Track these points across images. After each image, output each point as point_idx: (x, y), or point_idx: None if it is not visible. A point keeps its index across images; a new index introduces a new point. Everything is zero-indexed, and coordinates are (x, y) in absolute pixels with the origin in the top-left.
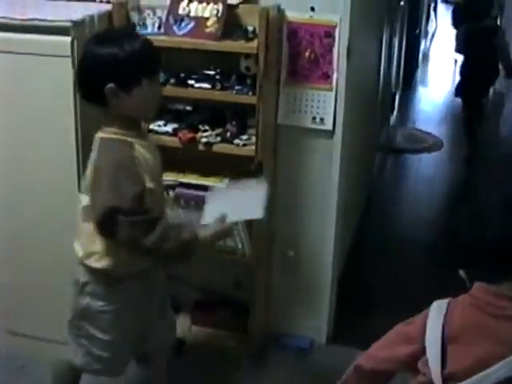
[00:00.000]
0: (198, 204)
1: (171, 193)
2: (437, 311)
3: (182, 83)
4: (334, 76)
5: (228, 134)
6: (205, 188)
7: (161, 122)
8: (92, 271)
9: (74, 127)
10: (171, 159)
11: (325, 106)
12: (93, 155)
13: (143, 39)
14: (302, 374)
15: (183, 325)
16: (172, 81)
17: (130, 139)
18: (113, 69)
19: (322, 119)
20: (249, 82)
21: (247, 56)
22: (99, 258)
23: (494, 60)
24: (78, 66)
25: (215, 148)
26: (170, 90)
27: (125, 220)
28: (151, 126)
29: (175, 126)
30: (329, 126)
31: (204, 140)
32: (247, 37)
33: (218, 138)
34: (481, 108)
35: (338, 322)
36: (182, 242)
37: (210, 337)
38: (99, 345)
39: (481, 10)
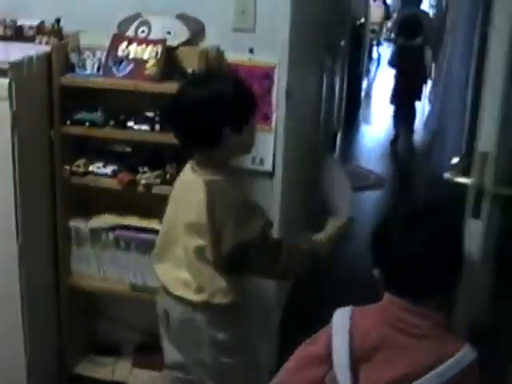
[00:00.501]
0: (139, 246)
1: (111, 235)
2: (340, 328)
3: (122, 125)
4: (274, 117)
5: (168, 175)
6: (145, 230)
7: (100, 164)
8: (218, 307)
9: (12, 171)
10: (111, 201)
11: (264, 146)
12: (195, 196)
13: (243, 81)
14: None
15: (124, 368)
16: (111, 122)
17: (234, 181)
18: (229, 112)
19: (261, 160)
20: None
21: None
22: (226, 293)
23: (420, 71)
24: (186, 112)
25: (155, 190)
26: (109, 132)
27: (257, 252)
28: (90, 168)
29: (115, 167)
30: (268, 166)
31: (143, 182)
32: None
33: (158, 180)
34: (413, 110)
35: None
36: (305, 255)
37: (153, 380)
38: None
39: (410, 31)
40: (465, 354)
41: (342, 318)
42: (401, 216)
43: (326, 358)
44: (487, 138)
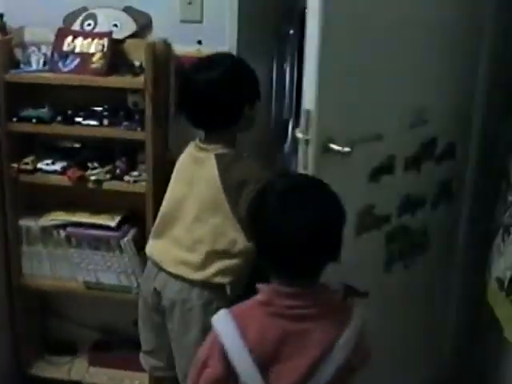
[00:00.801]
0: (91, 243)
1: (62, 233)
2: (230, 338)
3: (70, 120)
4: None
5: (118, 170)
6: (97, 226)
7: (49, 161)
8: (215, 289)
9: None
10: (61, 198)
11: None
12: (211, 173)
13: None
14: None
15: (80, 367)
16: (59, 118)
17: (239, 151)
18: (246, 87)
19: None
20: (137, 117)
21: (134, 91)
22: (226, 273)
23: None
24: (203, 94)
25: (105, 186)
26: (57, 128)
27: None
28: (39, 165)
29: (64, 164)
30: None
31: (93, 178)
32: (134, 72)
33: (108, 176)
34: None
35: None
36: None
37: (110, 378)
38: None
39: None
40: (356, 319)
41: (226, 326)
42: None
43: (230, 375)
44: (309, 98)
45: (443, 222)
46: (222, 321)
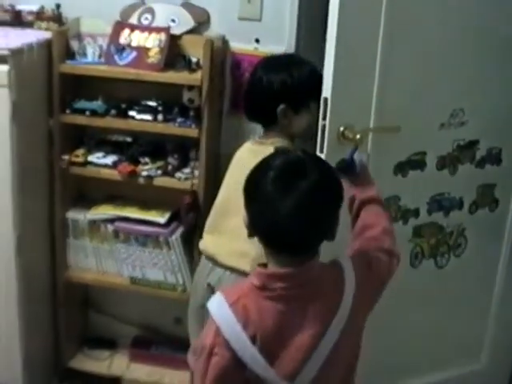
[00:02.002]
0: (138, 239)
1: (110, 227)
2: (231, 332)
3: (123, 114)
4: None
5: (169, 167)
6: (145, 222)
7: (100, 154)
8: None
9: (10, 159)
10: (110, 192)
11: None
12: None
13: (312, 66)
14: None
15: (121, 362)
16: (112, 112)
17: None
18: (285, 93)
19: None
20: (192, 114)
21: (190, 88)
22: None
23: None
24: (250, 88)
25: (156, 182)
26: (110, 122)
27: None
28: (89, 158)
29: (115, 158)
30: None
31: (144, 173)
32: (191, 68)
33: (159, 172)
34: None
35: None
36: None
37: (149, 374)
38: None
39: None
40: (349, 277)
41: (225, 318)
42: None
43: (238, 361)
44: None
45: (484, 227)
46: (221, 312)
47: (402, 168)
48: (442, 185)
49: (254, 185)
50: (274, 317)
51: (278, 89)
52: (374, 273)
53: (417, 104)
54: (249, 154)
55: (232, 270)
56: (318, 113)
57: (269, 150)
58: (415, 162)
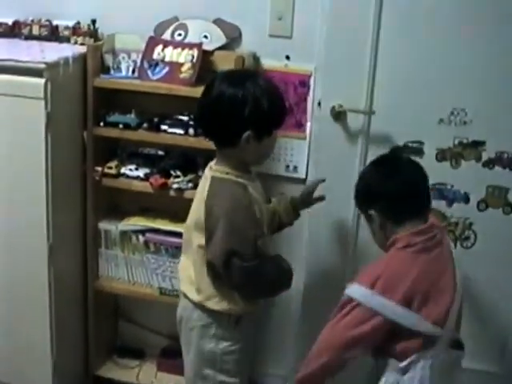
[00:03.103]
0: (169, 250)
1: (141, 238)
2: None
3: (155, 128)
4: (308, 125)
5: (200, 180)
6: (175, 234)
7: (132, 167)
8: (213, 313)
9: (45, 170)
10: (141, 204)
11: (298, 154)
12: (202, 192)
13: (281, 94)
14: None
15: (149, 371)
16: (145, 125)
17: (243, 181)
18: (256, 119)
19: (295, 167)
20: None
21: (195, 120)
22: (220, 300)
23: None
24: (216, 106)
25: (186, 194)
26: (142, 135)
27: (241, 266)
28: (122, 170)
29: (147, 170)
30: (302, 174)
31: (175, 186)
32: None
33: (190, 185)
34: None
35: None
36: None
37: (175, 383)
38: None
39: None
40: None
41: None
42: (379, 164)
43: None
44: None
45: (497, 228)
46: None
47: (399, 152)
48: (443, 176)
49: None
50: (420, 266)
51: (250, 115)
52: None
53: (412, 95)
54: (200, 184)
55: (184, 295)
56: (275, 139)
57: (208, 181)
58: (412, 149)
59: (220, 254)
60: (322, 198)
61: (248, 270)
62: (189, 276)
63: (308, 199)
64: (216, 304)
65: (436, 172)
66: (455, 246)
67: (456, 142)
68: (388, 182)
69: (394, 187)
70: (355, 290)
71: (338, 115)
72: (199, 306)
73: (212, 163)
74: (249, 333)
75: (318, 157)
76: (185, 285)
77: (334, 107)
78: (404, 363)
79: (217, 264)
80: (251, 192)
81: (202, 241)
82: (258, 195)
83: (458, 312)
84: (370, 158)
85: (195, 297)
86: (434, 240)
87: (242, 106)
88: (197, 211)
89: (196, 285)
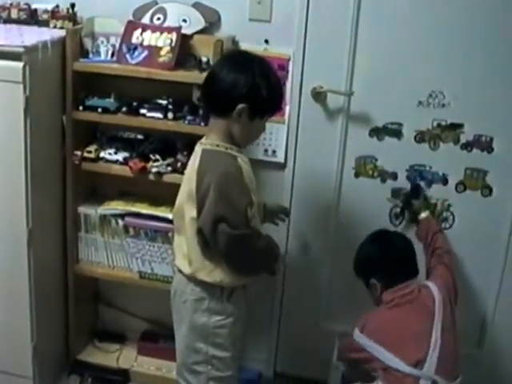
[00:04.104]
0: (148, 234)
1: (120, 222)
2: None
3: (134, 112)
4: (287, 109)
5: (179, 164)
6: (154, 218)
7: (111, 151)
8: (205, 286)
9: (24, 155)
10: (121, 188)
11: (277, 138)
12: (193, 165)
13: (280, 82)
14: None
15: (129, 355)
16: (124, 109)
17: (233, 152)
18: (254, 97)
19: (273, 151)
20: (201, 112)
21: (200, 87)
22: (211, 271)
23: None
24: (218, 78)
25: (165, 178)
26: (121, 119)
27: (228, 232)
28: (101, 154)
29: (126, 154)
30: (280, 158)
31: (154, 170)
32: (201, 67)
33: (169, 168)
34: None
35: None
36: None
37: (157, 367)
38: (221, 365)
39: None
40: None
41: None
42: (375, 239)
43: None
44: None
45: (476, 210)
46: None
47: (377, 132)
48: (422, 157)
49: (372, 258)
50: (394, 317)
51: (249, 90)
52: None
53: (391, 78)
54: (191, 158)
55: (178, 269)
56: (264, 125)
57: (199, 154)
58: (391, 130)
59: (209, 220)
60: (282, 220)
61: (234, 237)
62: (182, 251)
63: (271, 217)
64: (207, 275)
65: (415, 153)
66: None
67: (434, 124)
68: (387, 255)
69: (393, 257)
70: (355, 330)
71: (319, 96)
72: (192, 279)
73: (202, 139)
74: (241, 307)
75: (299, 137)
76: (179, 260)
77: (314, 88)
78: None
79: (205, 230)
80: (241, 163)
81: (194, 212)
82: (247, 166)
83: (442, 357)
84: (350, 137)
85: (187, 269)
86: (408, 297)
87: (245, 81)
88: (188, 183)
89: (188, 257)
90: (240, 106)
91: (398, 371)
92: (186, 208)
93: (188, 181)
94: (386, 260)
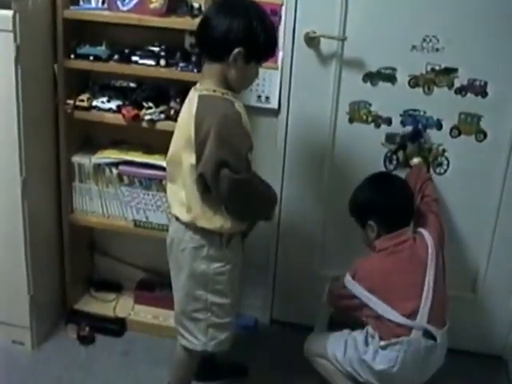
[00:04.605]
0: (142, 182)
1: (114, 171)
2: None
3: (126, 59)
4: (280, 55)
5: (172, 111)
6: (149, 166)
7: (104, 99)
8: (204, 233)
9: (16, 104)
10: (114, 136)
11: (270, 84)
12: (189, 111)
13: (274, 26)
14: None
15: (125, 304)
16: (116, 57)
17: (230, 98)
18: (250, 41)
19: (267, 97)
20: (194, 59)
21: (192, 33)
22: (210, 217)
23: None
24: (213, 23)
25: (159, 125)
26: (113, 67)
27: (230, 176)
28: (94, 103)
29: (119, 102)
30: (274, 104)
31: (148, 117)
32: (192, 13)
33: (162, 116)
34: None
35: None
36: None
37: (154, 316)
38: (220, 312)
39: None
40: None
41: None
42: (378, 182)
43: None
44: None
45: (470, 155)
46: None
47: (371, 77)
48: (416, 102)
49: (373, 201)
50: (388, 266)
51: (246, 33)
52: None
53: (384, 22)
54: (186, 104)
55: (175, 217)
56: (258, 71)
57: (195, 100)
58: (385, 75)
59: (211, 165)
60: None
61: (237, 181)
62: (179, 199)
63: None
64: (207, 222)
65: (409, 98)
66: (428, 171)
67: (428, 68)
68: (389, 200)
69: (394, 203)
70: (346, 276)
71: (312, 41)
72: (191, 226)
73: (196, 85)
74: (239, 253)
75: (292, 83)
76: (175, 208)
77: (307, 33)
78: (382, 343)
79: (207, 175)
80: (238, 108)
81: (193, 159)
82: (244, 112)
83: (433, 307)
84: (343, 82)
85: (186, 217)
86: (403, 245)
87: (241, 25)
88: (186, 130)
89: (187, 204)
90: (236, 49)
91: (390, 321)
92: (183, 155)
93: (185, 127)
94: (387, 205)
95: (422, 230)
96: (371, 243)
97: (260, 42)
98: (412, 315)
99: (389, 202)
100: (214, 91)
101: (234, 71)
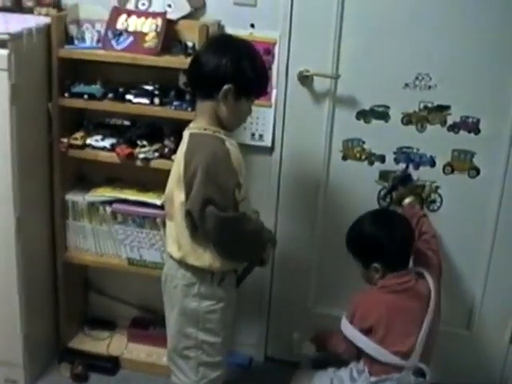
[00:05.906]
0: (136, 220)
1: (108, 209)
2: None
3: (120, 98)
4: (274, 93)
5: (166, 149)
6: (143, 204)
7: (98, 137)
8: (195, 271)
9: (10, 142)
10: (108, 175)
11: (264, 122)
12: (181, 150)
13: (265, 64)
14: None
15: (119, 342)
16: (110, 95)
17: (220, 136)
18: (240, 77)
19: (260, 135)
20: (188, 97)
21: (186, 71)
22: (200, 255)
23: None
24: (203, 60)
25: (153, 164)
26: (108, 105)
27: (216, 214)
28: (88, 141)
29: (113, 141)
30: (268, 142)
31: (142, 156)
32: (186, 52)
33: (156, 154)
34: None
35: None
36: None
37: (148, 354)
38: (211, 350)
39: None
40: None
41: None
42: (374, 221)
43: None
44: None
45: (463, 192)
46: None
47: (364, 115)
48: (410, 139)
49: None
50: (388, 304)
51: (234, 70)
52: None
53: (377, 60)
54: (182, 142)
55: (169, 255)
56: (250, 108)
57: (186, 138)
58: (378, 113)
59: (197, 202)
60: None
61: (222, 220)
62: (173, 236)
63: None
64: (196, 260)
65: (402, 135)
66: (422, 208)
67: (421, 106)
68: (394, 240)
69: (400, 244)
70: (342, 320)
71: (305, 79)
72: (182, 263)
73: (189, 125)
74: (231, 292)
75: (286, 121)
76: (170, 246)
77: (301, 72)
78: (372, 379)
79: (194, 212)
80: (228, 146)
81: (183, 197)
82: (235, 150)
83: (426, 345)
84: (337, 120)
85: (177, 254)
86: (405, 285)
87: (230, 60)
88: (177, 168)
89: (177, 241)
90: (226, 86)
91: (381, 362)
92: (175, 193)
93: (177, 165)
94: (393, 247)
95: (423, 271)
96: (375, 281)
97: (249, 78)
98: (407, 354)
99: (394, 244)
100: (205, 129)
101: (225, 108)
